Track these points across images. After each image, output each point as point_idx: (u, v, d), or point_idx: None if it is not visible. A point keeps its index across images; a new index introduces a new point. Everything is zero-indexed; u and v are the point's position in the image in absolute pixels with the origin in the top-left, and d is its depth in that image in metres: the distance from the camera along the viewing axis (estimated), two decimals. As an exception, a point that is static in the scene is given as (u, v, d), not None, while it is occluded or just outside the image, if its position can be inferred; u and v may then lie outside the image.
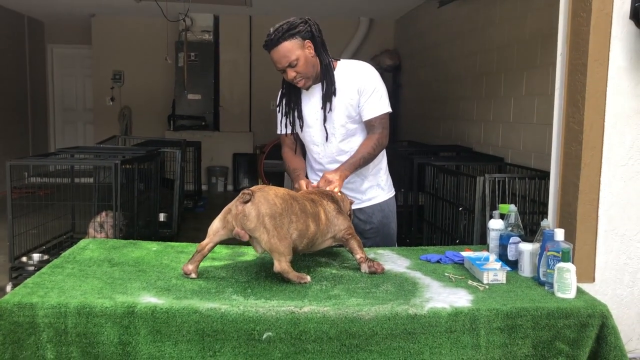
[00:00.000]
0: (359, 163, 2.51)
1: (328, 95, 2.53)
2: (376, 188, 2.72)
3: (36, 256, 4.23)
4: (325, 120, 2.57)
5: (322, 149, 2.64)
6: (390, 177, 2.84)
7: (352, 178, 2.61)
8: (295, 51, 2.41)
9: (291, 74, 2.46)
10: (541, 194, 3.85)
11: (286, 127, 2.68)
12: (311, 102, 2.59)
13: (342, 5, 7.98)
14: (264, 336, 1.77)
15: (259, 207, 1.95)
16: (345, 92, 2.54)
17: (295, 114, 2.63)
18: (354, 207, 2.67)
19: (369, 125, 2.57)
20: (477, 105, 5.58)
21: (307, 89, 2.55)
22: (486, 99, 5.37)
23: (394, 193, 2.83)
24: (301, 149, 2.75)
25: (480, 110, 5.50)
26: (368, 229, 2.72)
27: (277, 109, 2.70)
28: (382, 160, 2.73)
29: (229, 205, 2.02)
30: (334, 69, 2.56)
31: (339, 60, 2.62)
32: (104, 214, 4.16)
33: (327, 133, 2.60)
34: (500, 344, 1.84)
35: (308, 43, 2.44)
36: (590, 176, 2.73)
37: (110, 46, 9.12)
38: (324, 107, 2.55)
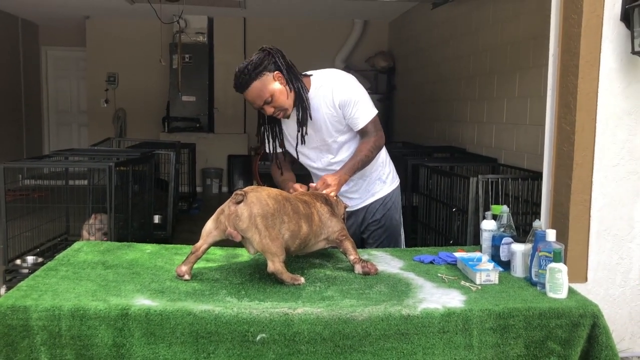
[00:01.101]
0: (358, 166, 2.52)
1: (303, 121, 2.50)
2: (378, 182, 2.74)
3: (30, 259, 4.22)
4: (303, 143, 2.55)
5: (318, 165, 2.67)
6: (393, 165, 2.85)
7: (353, 179, 2.63)
8: (267, 88, 2.38)
9: (269, 110, 2.44)
10: (534, 195, 3.87)
11: (273, 148, 2.66)
12: (295, 126, 2.56)
13: (337, 8, 7.99)
14: (258, 338, 1.78)
15: (251, 207, 1.96)
16: (325, 110, 2.52)
17: (282, 139, 2.63)
18: (357, 206, 2.70)
19: (362, 132, 2.57)
20: (471, 107, 5.60)
21: (288, 117, 2.53)
22: (479, 100, 5.39)
23: (397, 183, 2.83)
24: (287, 163, 2.73)
25: (474, 111, 5.52)
26: (371, 222, 2.76)
27: (260, 138, 2.67)
28: (379, 155, 2.72)
29: (222, 206, 2.03)
30: (308, 88, 2.51)
31: (311, 75, 2.57)
32: (93, 216, 4.15)
33: (317, 152, 2.62)
34: (493, 344, 1.85)
35: (277, 74, 2.40)
36: (582, 177, 2.75)
37: (104, 48, 9.11)
38: (300, 132, 2.53)
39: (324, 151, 2.63)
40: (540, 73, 4.16)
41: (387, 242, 2.78)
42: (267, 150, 2.69)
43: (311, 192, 2.33)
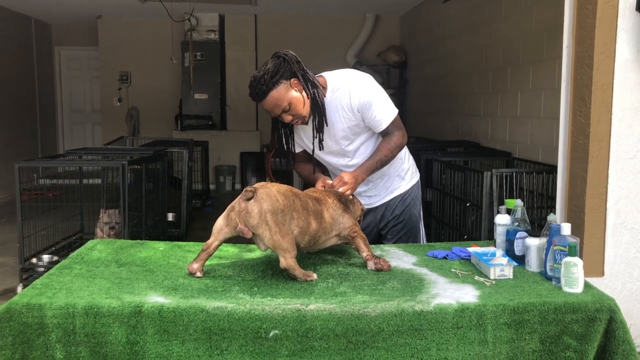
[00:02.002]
0: (376, 166, 2.49)
1: (320, 128, 2.47)
2: (397, 179, 2.71)
3: (46, 257, 4.27)
4: (321, 149, 2.53)
5: (337, 167, 2.65)
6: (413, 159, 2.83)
7: (371, 180, 2.61)
8: (285, 96, 2.35)
9: (287, 118, 2.41)
10: (549, 188, 3.83)
11: (291, 151, 2.65)
12: (312, 132, 2.54)
13: (348, 2, 7.97)
14: (271, 334, 1.77)
15: (261, 204, 1.95)
16: (343, 114, 2.49)
17: (300, 144, 2.62)
18: (375, 204, 2.70)
19: (384, 133, 2.53)
20: (484, 100, 5.56)
21: (307, 123, 2.50)
22: (493, 94, 5.34)
23: (417, 179, 2.80)
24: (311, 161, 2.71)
25: (487, 105, 5.48)
26: (390, 218, 2.74)
27: (272, 143, 2.64)
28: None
29: (233, 203, 2.03)
30: (324, 92, 2.47)
31: (327, 77, 2.52)
32: (102, 211, 4.18)
33: (332, 156, 2.60)
34: (508, 339, 1.83)
35: (294, 81, 2.36)
36: (598, 169, 2.71)
37: (116, 47, 9.16)
38: (318, 138, 2.50)
39: (339, 155, 2.61)
40: (554, 65, 4.12)
41: (405, 237, 2.76)
42: (287, 152, 2.66)
43: (324, 189, 2.32)
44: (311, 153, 2.61)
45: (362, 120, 2.50)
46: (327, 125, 2.48)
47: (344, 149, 2.58)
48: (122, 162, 3.94)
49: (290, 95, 2.36)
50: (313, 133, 2.49)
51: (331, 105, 2.48)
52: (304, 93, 2.39)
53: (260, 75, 2.34)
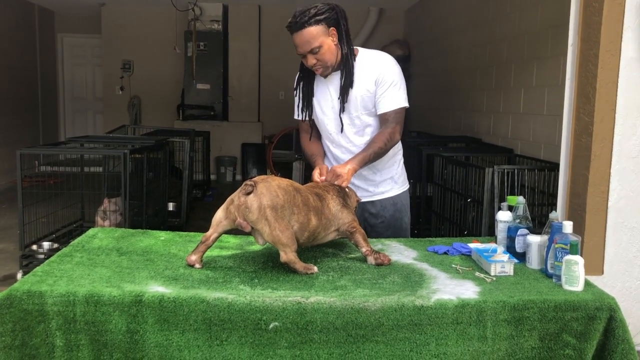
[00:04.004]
0: (369, 158, 2.46)
1: (345, 87, 2.49)
2: (389, 181, 2.69)
3: (46, 244, 4.27)
4: (342, 110, 2.53)
5: (336, 138, 2.61)
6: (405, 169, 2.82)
7: (364, 171, 2.58)
8: (319, 37, 2.37)
9: (311, 60, 2.43)
10: (551, 186, 3.83)
11: (302, 112, 2.64)
12: (328, 90, 2.55)
13: (352, -5, 7.94)
14: (271, 326, 1.78)
15: (261, 198, 1.94)
16: (363, 83, 2.50)
17: (311, 100, 2.60)
18: (366, 199, 2.66)
19: (383, 119, 2.52)
20: (487, 96, 5.54)
21: (325, 76, 2.52)
22: (496, 90, 5.33)
23: (407, 186, 2.79)
24: (317, 134, 2.71)
25: (490, 101, 5.47)
26: (379, 222, 2.69)
27: (295, 92, 2.65)
28: (397, 153, 2.69)
29: (232, 196, 2.01)
30: (355, 58, 2.51)
31: (359, 49, 2.57)
32: (105, 201, 4.18)
33: (342, 123, 2.56)
34: (507, 336, 1.84)
35: (333, 30, 2.40)
36: (600, 168, 2.71)
37: (119, 35, 9.14)
38: (340, 98, 2.51)
39: (345, 124, 2.57)
40: (558, 62, 4.11)
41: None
42: (297, 117, 2.67)
43: (324, 184, 2.31)
44: (322, 117, 2.61)
45: (375, 95, 2.50)
46: (352, 88, 2.49)
47: (350, 117, 2.55)
48: (124, 150, 3.94)
49: (325, 39, 2.39)
50: (339, 93, 2.51)
51: (354, 72, 2.51)
52: (337, 46, 2.43)
53: (307, 8, 2.38)
